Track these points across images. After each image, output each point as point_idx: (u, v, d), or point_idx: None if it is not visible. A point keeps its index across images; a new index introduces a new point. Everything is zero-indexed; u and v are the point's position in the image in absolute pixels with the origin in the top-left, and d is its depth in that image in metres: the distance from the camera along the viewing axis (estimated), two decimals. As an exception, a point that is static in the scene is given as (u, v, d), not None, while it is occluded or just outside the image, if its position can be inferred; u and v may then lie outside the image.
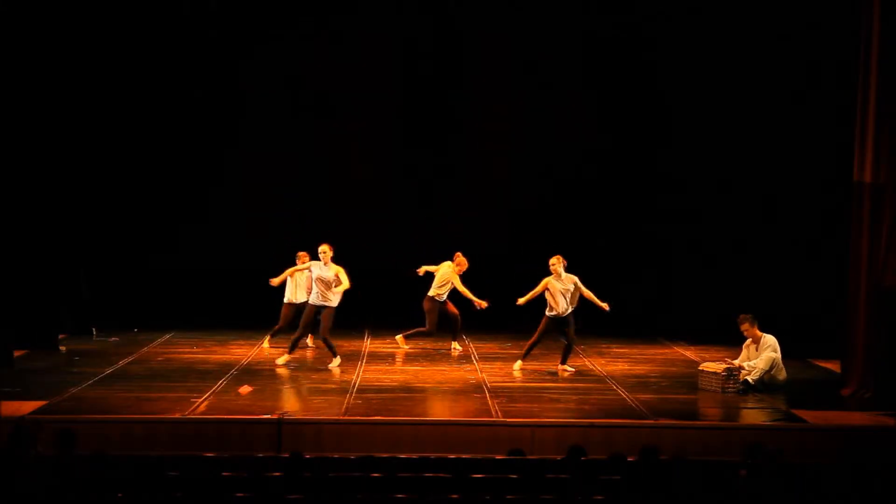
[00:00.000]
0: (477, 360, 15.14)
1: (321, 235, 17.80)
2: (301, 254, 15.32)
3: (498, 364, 14.97)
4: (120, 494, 8.49)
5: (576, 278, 14.16)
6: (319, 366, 14.69)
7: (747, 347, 13.59)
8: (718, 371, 13.29)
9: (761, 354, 13.37)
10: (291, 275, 15.40)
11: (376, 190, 18.35)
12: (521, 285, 15.45)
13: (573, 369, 14.37)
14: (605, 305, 14.13)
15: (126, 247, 17.73)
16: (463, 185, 18.35)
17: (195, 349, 15.71)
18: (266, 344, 15.77)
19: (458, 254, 15.58)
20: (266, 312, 17.49)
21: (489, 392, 13.04)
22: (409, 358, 15.24)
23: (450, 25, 18.10)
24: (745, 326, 13.48)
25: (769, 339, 13.43)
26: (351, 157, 18.32)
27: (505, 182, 18.48)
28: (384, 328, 16.89)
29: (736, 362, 13.47)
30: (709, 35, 17.13)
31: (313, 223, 18.02)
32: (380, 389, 13.23)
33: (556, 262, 14.14)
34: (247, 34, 17.81)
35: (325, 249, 14.42)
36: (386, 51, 18.15)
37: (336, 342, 15.33)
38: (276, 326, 15.69)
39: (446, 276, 15.47)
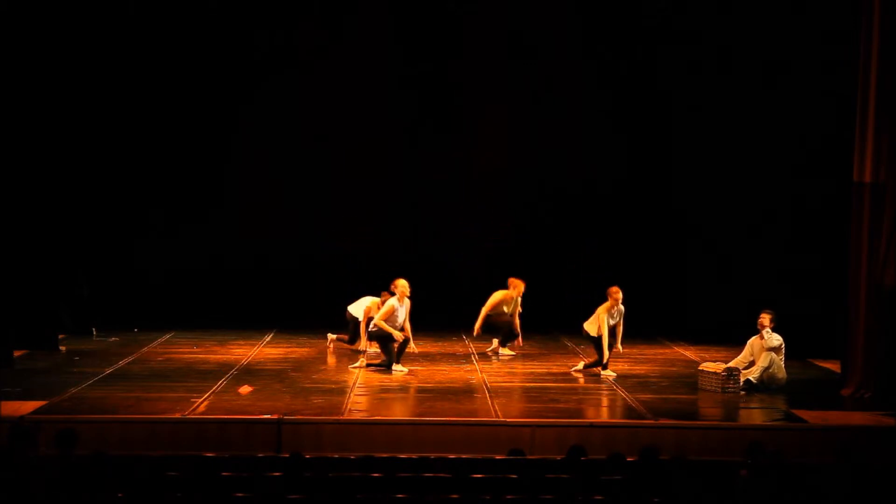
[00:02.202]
0: (477, 360, 15.14)
1: (320, 236, 17.91)
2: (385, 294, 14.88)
3: (497, 364, 14.98)
4: (120, 494, 8.49)
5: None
6: (320, 365, 14.70)
7: (751, 345, 13.54)
8: (718, 371, 13.29)
9: (765, 348, 13.34)
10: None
11: (376, 190, 18.32)
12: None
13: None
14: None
15: (125, 247, 17.71)
16: (463, 190, 18.32)
17: (195, 349, 15.71)
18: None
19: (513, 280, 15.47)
20: (265, 313, 17.58)
21: (489, 392, 13.04)
22: (409, 358, 15.22)
23: (449, 24, 18.10)
24: (768, 317, 13.35)
25: (776, 338, 13.39)
26: (350, 156, 18.26)
27: (505, 185, 18.44)
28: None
29: (740, 360, 13.46)
30: (709, 34, 17.12)
31: (313, 222, 18.04)
32: (380, 389, 13.24)
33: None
34: (246, 33, 17.80)
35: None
36: (383, 51, 18.13)
37: (335, 343, 15.47)
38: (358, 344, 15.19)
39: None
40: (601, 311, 13.98)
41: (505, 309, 15.40)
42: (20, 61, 15.12)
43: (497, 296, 15.40)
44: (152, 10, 17.42)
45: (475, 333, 15.52)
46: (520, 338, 15.51)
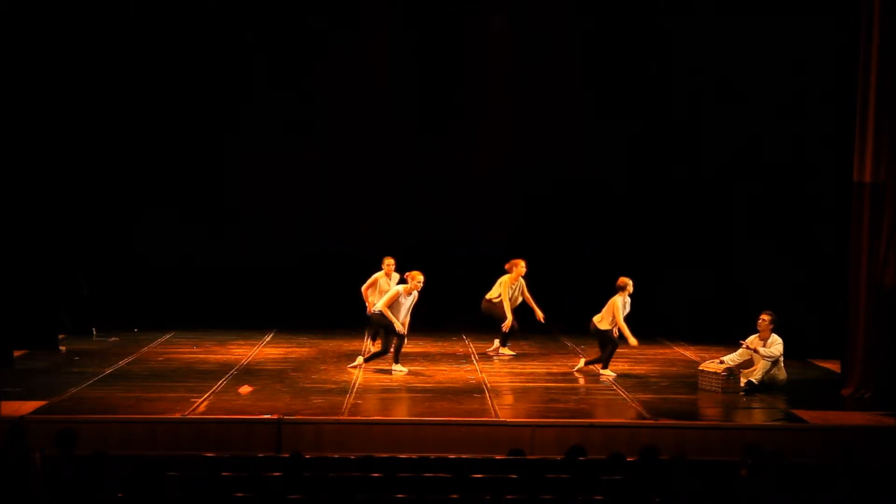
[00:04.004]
0: (477, 360, 15.14)
1: (320, 236, 17.88)
2: (388, 260, 14.98)
3: (498, 364, 14.98)
4: (120, 494, 8.50)
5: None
6: (320, 365, 14.70)
7: (750, 343, 13.51)
8: (718, 371, 13.29)
9: (770, 349, 13.32)
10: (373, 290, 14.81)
11: (376, 190, 18.32)
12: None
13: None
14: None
15: (125, 246, 17.71)
16: (463, 190, 18.31)
17: (195, 349, 15.71)
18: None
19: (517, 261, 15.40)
20: (265, 313, 17.58)
21: (489, 392, 13.05)
22: (410, 358, 15.22)
23: (449, 24, 18.10)
24: (768, 318, 13.32)
25: (777, 344, 13.36)
26: (350, 156, 18.25)
27: (505, 185, 18.44)
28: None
29: (736, 357, 13.43)
30: (710, 34, 17.12)
31: (313, 222, 18.03)
32: (380, 389, 13.24)
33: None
34: (246, 32, 17.79)
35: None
36: (383, 51, 18.12)
37: (336, 343, 15.46)
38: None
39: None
40: (617, 302, 13.84)
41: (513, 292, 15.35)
42: (20, 62, 15.11)
43: (504, 281, 15.31)
44: (152, 10, 17.41)
45: (508, 324, 15.19)
46: (539, 313, 15.25)
